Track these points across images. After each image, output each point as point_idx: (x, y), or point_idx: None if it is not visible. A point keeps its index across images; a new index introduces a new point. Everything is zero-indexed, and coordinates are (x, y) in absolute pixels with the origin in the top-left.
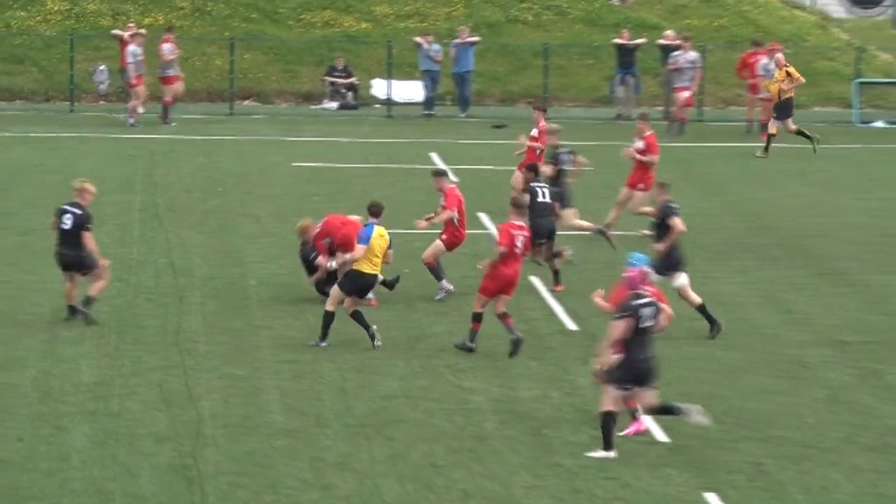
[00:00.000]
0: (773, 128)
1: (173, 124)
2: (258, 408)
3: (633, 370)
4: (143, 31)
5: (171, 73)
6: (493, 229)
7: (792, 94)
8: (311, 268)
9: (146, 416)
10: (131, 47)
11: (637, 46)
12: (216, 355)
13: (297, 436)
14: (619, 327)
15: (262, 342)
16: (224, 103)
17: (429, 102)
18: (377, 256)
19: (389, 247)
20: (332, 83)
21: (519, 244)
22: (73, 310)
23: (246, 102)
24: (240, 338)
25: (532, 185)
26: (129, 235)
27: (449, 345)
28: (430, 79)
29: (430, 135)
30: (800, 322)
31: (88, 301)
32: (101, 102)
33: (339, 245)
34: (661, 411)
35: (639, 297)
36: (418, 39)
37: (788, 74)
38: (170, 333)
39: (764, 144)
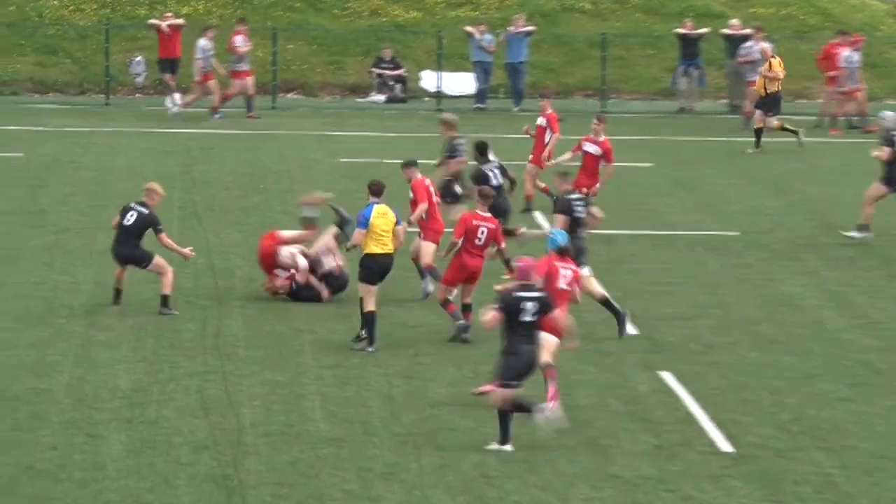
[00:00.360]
0: (759, 121)
1: (217, 116)
2: (301, 415)
3: (516, 365)
4: (180, 20)
5: (242, 67)
6: (547, 227)
7: (778, 88)
8: (306, 296)
9: (184, 424)
10: (202, 42)
11: (700, 36)
12: (257, 360)
13: (342, 444)
14: (491, 317)
15: (306, 346)
16: (266, 96)
17: (481, 95)
18: (383, 235)
19: (397, 222)
20: (380, 75)
21: (480, 235)
22: (118, 293)
23: (289, 95)
24: (282, 342)
25: (482, 167)
26: (168, 234)
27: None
28: (482, 70)
29: (481, 129)
30: (869, 326)
31: (165, 302)
32: (138, 95)
33: (262, 262)
34: (518, 408)
35: (525, 288)
36: (470, 29)
37: (771, 67)
38: (209, 337)
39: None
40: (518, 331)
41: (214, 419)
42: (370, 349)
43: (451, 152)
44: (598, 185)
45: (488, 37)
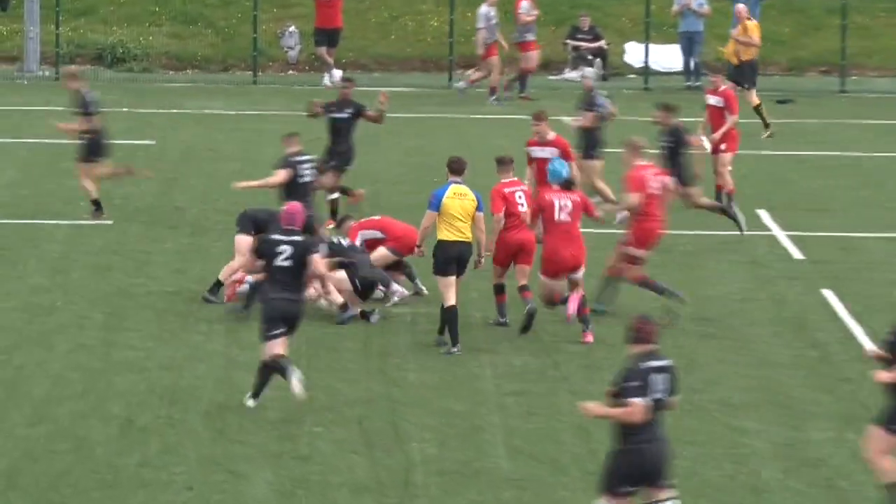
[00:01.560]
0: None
1: (492, 99)
2: (480, 451)
3: (269, 310)
4: None
5: (529, 37)
6: (774, 229)
7: (754, 57)
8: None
9: (342, 461)
10: (483, 9)
11: None
12: (429, 386)
13: (527, 486)
14: (246, 260)
15: (486, 370)
16: (441, 73)
17: (693, 71)
18: (459, 221)
19: (478, 208)
20: (576, 48)
21: (519, 201)
22: (218, 283)
23: (467, 72)
24: (458, 364)
25: (329, 111)
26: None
27: (723, 376)
28: (687, 40)
29: (696, 112)
30: None
31: (215, 286)
32: (291, 72)
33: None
34: (276, 368)
35: (287, 233)
36: None
37: (746, 30)
38: (372, 358)
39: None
40: (275, 276)
41: (378, 455)
42: (454, 350)
43: (84, 107)
44: None
45: None
